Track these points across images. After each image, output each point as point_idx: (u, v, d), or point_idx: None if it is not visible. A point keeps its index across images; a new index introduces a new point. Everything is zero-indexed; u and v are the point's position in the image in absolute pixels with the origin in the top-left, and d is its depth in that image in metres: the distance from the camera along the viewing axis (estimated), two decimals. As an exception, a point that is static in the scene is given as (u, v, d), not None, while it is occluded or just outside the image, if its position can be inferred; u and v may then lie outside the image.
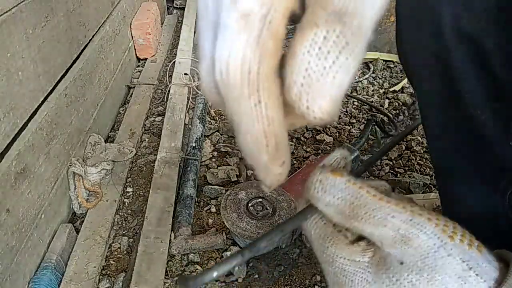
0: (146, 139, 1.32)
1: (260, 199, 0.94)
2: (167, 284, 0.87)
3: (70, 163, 1.02)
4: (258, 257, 0.94)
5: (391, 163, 1.25)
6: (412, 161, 1.27)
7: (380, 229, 0.27)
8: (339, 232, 0.29)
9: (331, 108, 0.22)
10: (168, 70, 1.66)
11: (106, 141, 1.24)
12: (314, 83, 0.22)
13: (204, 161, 1.23)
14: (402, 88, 1.67)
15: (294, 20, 0.23)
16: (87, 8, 1.20)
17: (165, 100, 1.49)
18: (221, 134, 1.36)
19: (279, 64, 0.23)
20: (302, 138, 1.36)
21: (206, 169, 1.20)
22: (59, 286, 0.84)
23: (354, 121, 1.47)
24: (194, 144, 1.23)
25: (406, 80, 1.69)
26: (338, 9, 0.20)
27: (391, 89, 1.67)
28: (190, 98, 1.52)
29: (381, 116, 1.46)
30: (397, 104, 1.57)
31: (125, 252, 0.96)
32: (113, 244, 0.98)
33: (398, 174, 1.21)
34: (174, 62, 1.69)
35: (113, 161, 1.14)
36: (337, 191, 0.27)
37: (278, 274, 0.91)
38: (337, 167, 0.30)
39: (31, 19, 0.86)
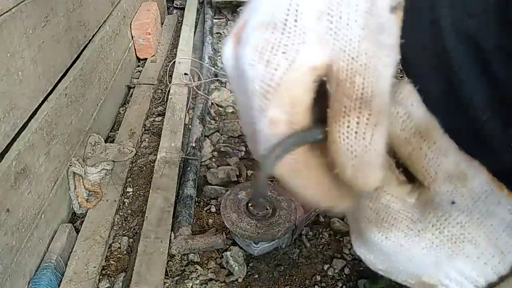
0: (146, 139, 1.32)
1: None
2: (167, 284, 0.87)
3: (70, 163, 1.02)
4: (258, 257, 0.94)
5: (391, 163, 1.25)
6: (412, 161, 1.27)
7: (444, 158, 0.27)
8: (390, 172, 0.28)
9: (382, 174, 0.26)
10: (168, 70, 1.66)
11: (106, 141, 1.24)
12: (362, 161, 0.25)
13: (204, 161, 1.23)
14: (402, 88, 1.66)
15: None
16: (87, 8, 1.20)
17: (165, 100, 1.49)
18: (221, 134, 1.36)
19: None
20: (302, 138, 1.36)
21: (206, 169, 1.20)
22: (59, 286, 0.84)
23: (354, 121, 1.47)
24: (194, 144, 1.23)
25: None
26: (360, 95, 0.24)
27: (391, 89, 1.66)
28: (190, 98, 1.52)
29: (381, 116, 1.46)
30: (397, 104, 1.57)
31: (125, 252, 0.96)
32: (113, 244, 0.98)
33: (398, 174, 1.21)
34: (174, 62, 1.69)
35: (113, 161, 1.14)
36: (419, 105, 0.28)
37: (278, 274, 0.91)
38: None
39: (31, 19, 0.86)
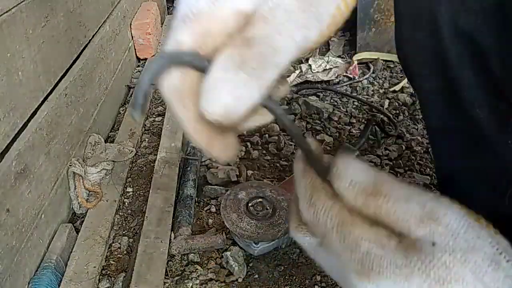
0: (146, 139, 1.33)
1: (260, 199, 0.94)
2: (167, 284, 0.87)
3: (70, 163, 1.02)
4: (258, 257, 0.94)
5: (391, 163, 1.25)
6: (412, 161, 1.27)
7: (406, 206, 0.26)
8: (357, 217, 0.28)
9: (241, 117, 0.27)
10: (168, 70, 1.66)
11: (106, 141, 1.24)
12: (217, 84, 0.27)
13: (204, 161, 1.23)
14: (402, 88, 1.67)
15: None
16: (87, 8, 1.20)
17: (165, 100, 1.49)
18: (221, 134, 1.36)
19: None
20: (302, 138, 1.36)
21: (206, 169, 1.20)
22: (59, 286, 0.84)
23: (354, 121, 1.47)
24: (194, 144, 1.23)
25: (406, 80, 1.69)
26: (261, 44, 0.26)
27: (391, 89, 1.67)
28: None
29: (381, 116, 1.46)
30: (397, 104, 1.57)
31: (125, 252, 0.96)
32: (113, 244, 0.98)
33: (398, 174, 1.21)
34: (174, 62, 1.69)
35: (113, 161, 1.14)
36: (360, 171, 0.28)
37: (278, 274, 0.91)
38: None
39: (31, 19, 0.86)
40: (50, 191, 0.93)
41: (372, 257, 0.26)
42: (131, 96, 1.52)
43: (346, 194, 0.28)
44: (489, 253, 0.25)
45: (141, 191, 1.13)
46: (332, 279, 0.91)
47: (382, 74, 1.78)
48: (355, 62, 1.79)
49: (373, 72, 1.77)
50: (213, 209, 1.07)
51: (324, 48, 2.03)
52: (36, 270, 0.85)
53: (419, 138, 1.37)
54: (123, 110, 1.45)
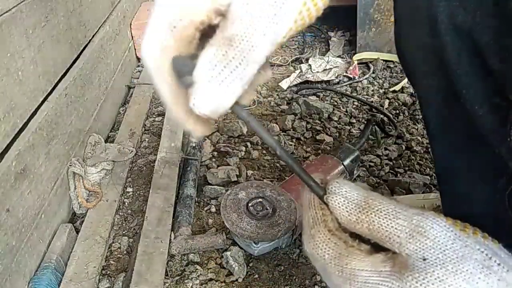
0: (146, 139, 1.33)
1: (260, 199, 0.94)
2: (167, 284, 0.87)
3: (70, 163, 1.02)
4: (258, 257, 0.94)
5: (391, 163, 1.25)
6: (412, 161, 1.27)
7: (395, 221, 0.28)
8: (353, 247, 0.29)
9: (219, 113, 0.31)
10: (168, 70, 1.66)
11: (106, 141, 1.24)
12: (205, 84, 0.29)
13: (204, 161, 1.23)
14: (402, 88, 1.67)
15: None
16: (87, 8, 1.20)
17: (165, 100, 1.49)
18: (221, 134, 1.36)
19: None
20: (302, 138, 1.36)
21: (206, 169, 1.20)
22: (59, 286, 0.84)
23: (354, 121, 1.47)
24: (194, 144, 1.23)
25: (406, 80, 1.69)
26: (241, 38, 0.28)
27: (391, 89, 1.67)
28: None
29: (381, 116, 1.46)
30: (397, 104, 1.57)
31: (125, 252, 0.96)
32: (113, 244, 0.98)
33: (398, 174, 1.21)
34: (174, 62, 1.69)
35: (113, 161, 1.14)
36: (352, 188, 0.31)
37: (278, 274, 0.91)
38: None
39: (31, 19, 0.86)
40: (50, 191, 0.93)
41: (370, 285, 0.28)
42: (131, 96, 1.52)
43: (340, 212, 0.30)
44: (479, 259, 0.25)
45: (141, 191, 1.13)
46: (332, 279, 0.91)
47: (382, 74, 1.78)
48: (355, 62, 1.79)
49: (373, 72, 1.77)
50: (213, 209, 1.07)
51: (324, 48, 2.03)
52: (36, 270, 0.85)
53: (419, 138, 1.37)
54: (123, 110, 1.45)
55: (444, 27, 0.37)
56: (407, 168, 1.23)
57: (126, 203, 1.09)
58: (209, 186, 1.13)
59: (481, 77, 0.37)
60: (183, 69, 0.29)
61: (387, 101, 1.58)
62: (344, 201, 0.30)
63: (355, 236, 0.31)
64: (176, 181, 1.09)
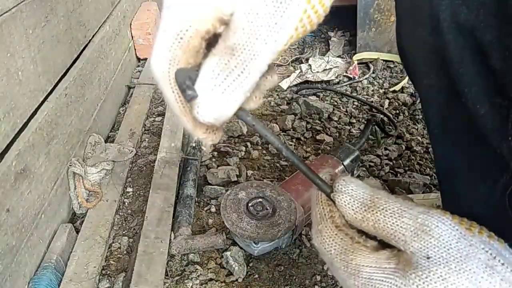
0: (146, 139, 1.33)
1: (260, 199, 0.94)
2: (167, 284, 0.87)
3: (70, 163, 1.02)
4: (258, 257, 0.94)
5: (391, 163, 1.25)
6: (412, 161, 1.27)
7: (400, 219, 0.28)
8: (359, 244, 0.30)
9: (224, 120, 0.31)
10: (168, 70, 1.66)
11: (106, 141, 1.24)
12: (208, 93, 0.29)
13: (204, 161, 1.23)
14: (402, 88, 1.67)
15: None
16: (87, 8, 1.20)
17: (165, 100, 1.49)
18: (221, 134, 1.36)
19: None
20: (302, 138, 1.36)
21: (206, 169, 1.20)
22: (59, 286, 0.84)
23: (354, 121, 1.47)
24: (194, 144, 1.23)
25: (406, 80, 1.69)
26: (242, 48, 0.28)
27: (391, 89, 1.67)
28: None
29: (381, 116, 1.46)
30: (397, 104, 1.57)
31: (125, 252, 0.96)
32: (113, 244, 0.98)
33: (398, 174, 1.21)
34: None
35: (113, 161, 1.14)
36: (359, 186, 0.31)
37: (278, 274, 0.91)
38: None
39: (31, 19, 0.86)
40: (50, 191, 0.93)
41: (374, 281, 0.28)
42: (131, 96, 1.52)
43: (346, 210, 0.31)
44: (483, 259, 0.26)
45: (141, 191, 1.13)
46: (332, 280, 0.91)
47: (382, 74, 1.78)
48: (355, 62, 1.79)
49: (373, 72, 1.77)
50: (213, 209, 1.07)
51: (324, 48, 2.03)
52: (36, 270, 0.85)
53: (419, 138, 1.37)
54: (123, 110, 1.45)
55: (446, 25, 0.37)
56: (407, 168, 1.23)
57: (126, 203, 1.09)
58: (209, 186, 1.13)
59: (483, 76, 0.37)
60: (186, 81, 0.30)
61: (387, 101, 1.58)
62: (350, 199, 0.30)
63: (363, 232, 0.31)
64: (176, 181, 1.09)
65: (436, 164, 0.51)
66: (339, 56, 1.90)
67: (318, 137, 1.36)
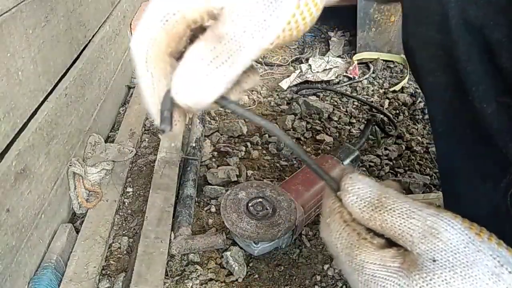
0: (146, 139, 1.32)
1: (260, 199, 0.94)
2: (167, 284, 0.87)
3: (70, 163, 1.02)
4: (258, 257, 0.94)
5: (391, 163, 1.25)
6: (412, 161, 1.27)
7: (409, 221, 0.27)
8: (365, 240, 0.29)
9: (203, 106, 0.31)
10: (168, 70, 1.66)
11: (106, 141, 1.24)
12: (192, 74, 0.29)
13: (204, 161, 1.23)
14: (402, 88, 1.67)
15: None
16: (87, 8, 1.20)
17: (165, 100, 1.49)
18: (221, 134, 1.36)
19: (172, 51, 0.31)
20: (302, 138, 1.36)
21: (206, 169, 1.20)
22: (59, 286, 0.84)
23: (354, 121, 1.47)
24: (194, 144, 1.23)
25: (406, 80, 1.69)
26: (230, 39, 0.28)
27: (391, 89, 1.67)
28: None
29: (381, 116, 1.46)
30: (397, 104, 1.57)
31: (125, 252, 0.96)
32: (113, 244, 0.98)
33: (398, 174, 1.21)
34: (174, 62, 1.69)
35: (113, 161, 1.14)
36: (365, 186, 0.30)
37: (278, 274, 0.91)
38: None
39: (31, 19, 0.86)
40: (50, 191, 0.93)
41: (377, 279, 0.28)
42: (131, 96, 1.52)
43: (353, 208, 0.30)
44: (490, 266, 0.25)
45: (141, 191, 1.13)
46: (332, 280, 0.91)
47: (382, 74, 1.78)
48: (355, 62, 1.79)
49: (373, 72, 1.77)
50: (213, 209, 1.07)
51: (324, 48, 2.03)
52: (36, 270, 0.85)
53: (419, 138, 1.37)
54: (123, 110, 1.45)
55: (455, 22, 0.37)
56: (407, 168, 1.23)
57: (126, 203, 1.09)
58: (209, 186, 1.13)
59: (491, 75, 0.37)
60: (166, 111, 0.31)
61: (387, 101, 1.58)
62: (356, 199, 0.30)
63: (371, 229, 0.31)
64: (176, 181, 1.09)
65: (438, 163, 0.51)
66: (339, 56, 1.90)
67: (318, 137, 1.36)
